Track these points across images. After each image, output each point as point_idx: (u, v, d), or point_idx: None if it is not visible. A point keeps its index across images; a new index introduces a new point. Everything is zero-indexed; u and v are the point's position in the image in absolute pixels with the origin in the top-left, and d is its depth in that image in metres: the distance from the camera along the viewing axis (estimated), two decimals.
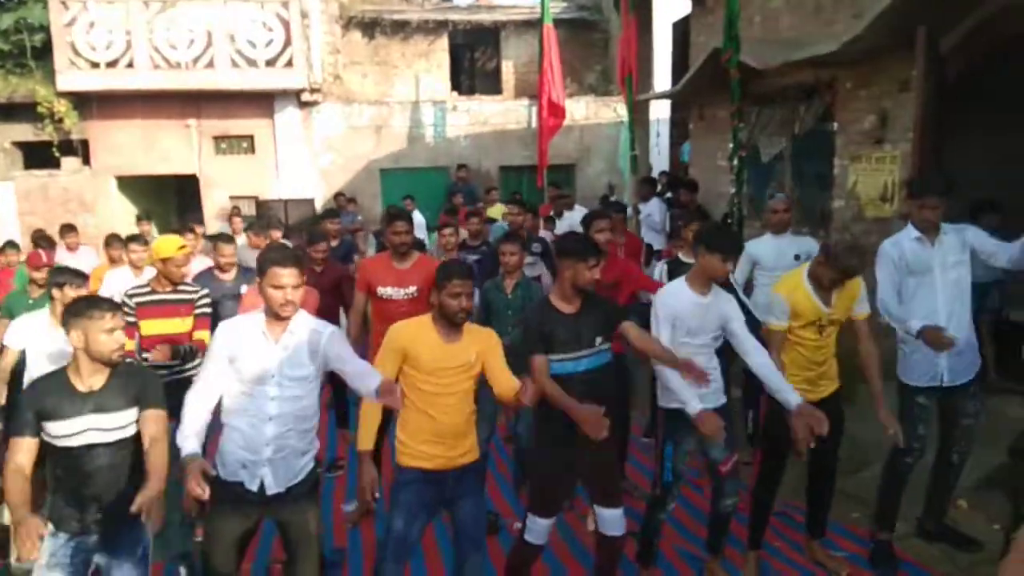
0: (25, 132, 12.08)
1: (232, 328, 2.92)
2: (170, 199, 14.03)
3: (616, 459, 3.64)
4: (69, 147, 12.17)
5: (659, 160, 13.01)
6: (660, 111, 12.99)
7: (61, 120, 11.78)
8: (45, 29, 11.83)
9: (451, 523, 3.18)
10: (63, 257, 7.47)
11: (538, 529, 3.29)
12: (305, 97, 12.26)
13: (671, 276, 4.43)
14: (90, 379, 2.77)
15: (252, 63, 11.63)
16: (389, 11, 14.17)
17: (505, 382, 3.10)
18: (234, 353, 2.85)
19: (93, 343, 2.72)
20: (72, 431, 2.72)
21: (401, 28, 14.19)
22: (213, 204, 12.25)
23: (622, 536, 3.32)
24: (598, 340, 3.26)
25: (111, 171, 12.13)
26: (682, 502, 4.37)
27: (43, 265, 5.40)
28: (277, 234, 6.91)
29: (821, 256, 3.54)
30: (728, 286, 3.75)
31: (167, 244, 4.24)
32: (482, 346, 3.11)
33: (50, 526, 2.77)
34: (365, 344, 4.66)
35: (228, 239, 5.28)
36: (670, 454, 3.53)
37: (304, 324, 2.94)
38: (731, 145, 6.24)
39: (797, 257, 4.71)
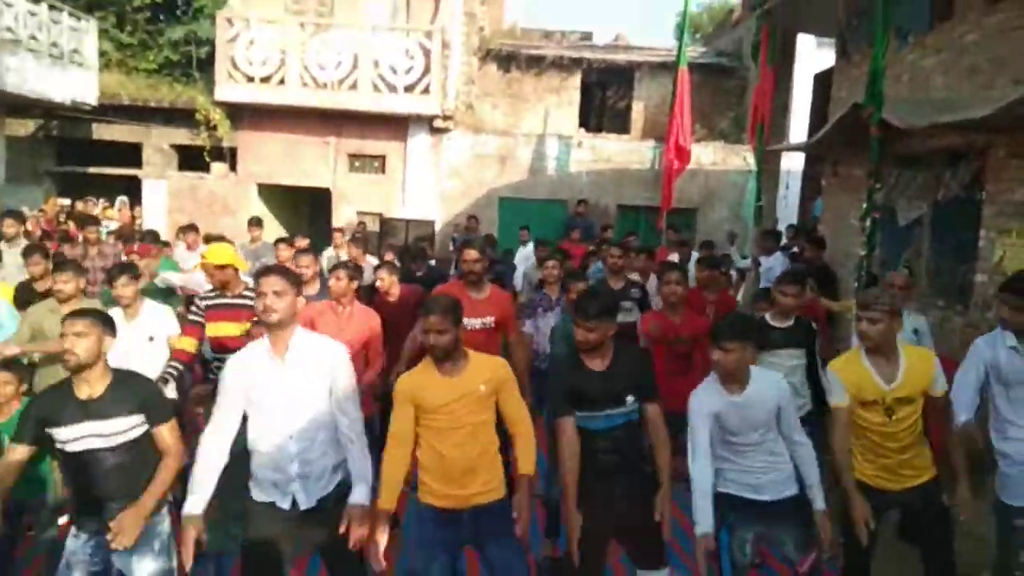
0: (182, 136, 13.16)
1: (240, 361, 2.93)
2: (304, 210, 14.84)
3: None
4: (219, 153, 13.15)
5: (786, 213, 12.57)
6: (793, 163, 12.58)
7: (215, 127, 12.76)
8: (210, 43, 12.89)
9: (482, 566, 3.10)
10: (182, 255, 7.99)
11: None
12: (437, 123, 12.69)
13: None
14: (89, 388, 2.85)
15: (392, 88, 12.17)
16: (527, 46, 14.50)
17: (516, 424, 3.05)
18: (247, 384, 2.88)
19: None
20: (72, 437, 2.82)
21: (536, 63, 14.47)
22: (341, 218, 12.83)
23: None
24: (629, 399, 3.13)
25: (254, 178, 12.97)
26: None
27: (148, 255, 5.81)
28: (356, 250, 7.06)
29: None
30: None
31: (217, 253, 4.39)
32: (491, 376, 3.02)
33: (73, 527, 2.91)
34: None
35: (305, 251, 5.44)
36: (726, 543, 3.22)
37: (308, 340, 2.95)
38: (865, 205, 5.92)
39: (916, 332, 4.38)
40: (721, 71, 14.36)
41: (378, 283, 5.24)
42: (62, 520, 3.67)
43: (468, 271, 4.42)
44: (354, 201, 12.95)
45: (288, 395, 2.87)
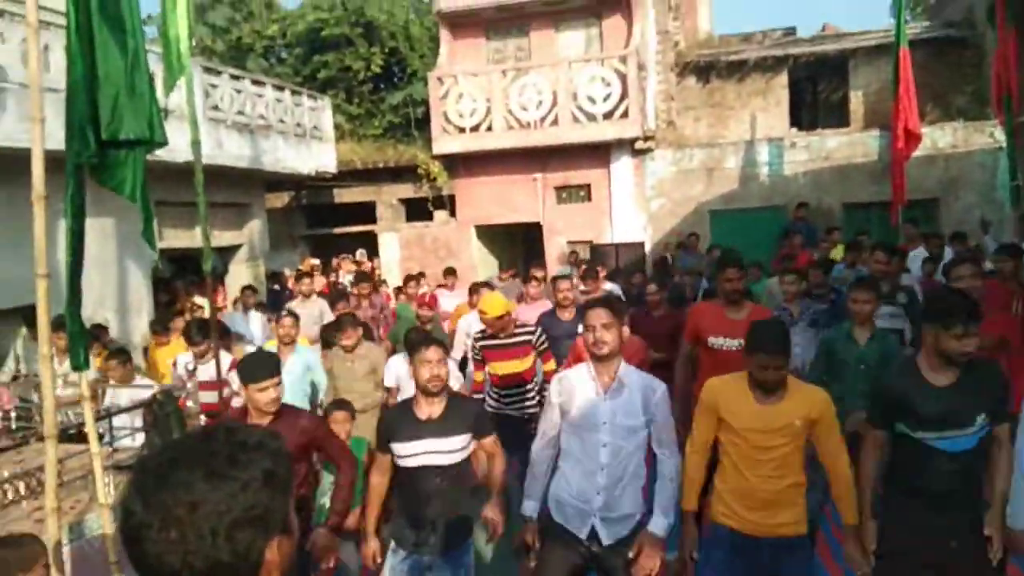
0: (407, 191, 14.37)
1: (564, 378, 3.13)
2: (518, 245, 15.49)
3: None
4: (439, 202, 14.18)
5: None
6: None
7: (435, 179, 13.79)
8: (424, 103, 14.01)
9: None
10: (443, 295, 8.72)
11: None
12: (639, 145, 12.69)
13: None
14: (427, 409, 3.19)
15: (591, 117, 12.40)
16: (726, 52, 14.08)
17: (832, 455, 2.84)
18: (566, 400, 3.03)
19: (417, 376, 3.18)
20: (410, 452, 3.14)
21: (738, 69, 13.98)
22: (554, 249, 13.22)
23: None
24: (979, 419, 2.70)
25: (472, 221, 13.80)
26: None
27: (426, 304, 6.54)
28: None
29: None
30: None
31: (493, 305, 4.73)
32: (810, 410, 2.84)
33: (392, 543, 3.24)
34: (689, 395, 4.59)
35: (566, 277, 5.70)
36: None
37: (632, 375, 3.01)
38: None
39: None
40: (950, 43, 12.88)
41: (649, 296, 5.72)
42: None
43: (730, 290, 4.21)
44: (564, 232, 13.28)
45: (606, 424, 2.96)
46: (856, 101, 13.70)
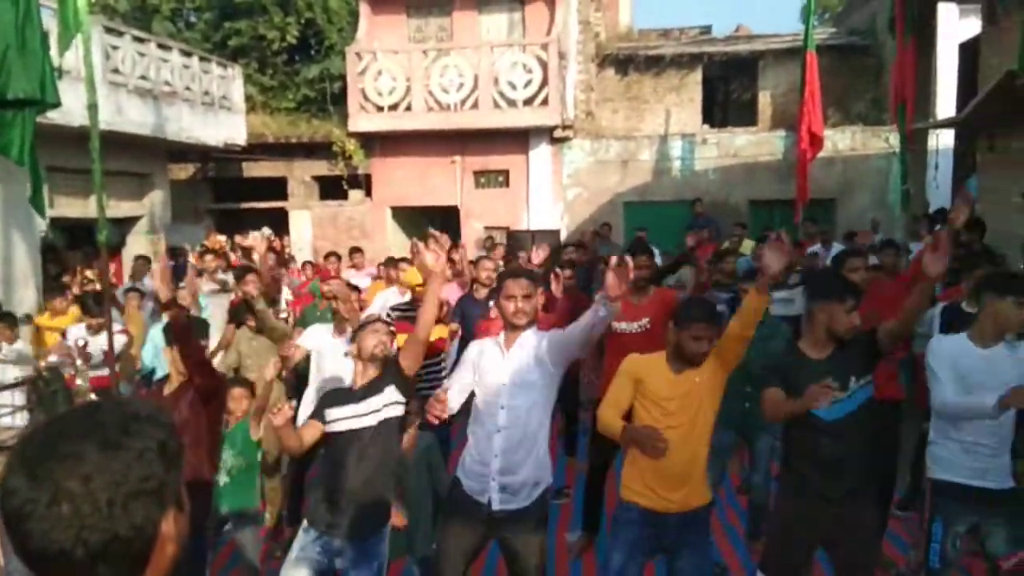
0: (321, 168, 14.01)
1: (481, 343, 3.23)
2: (435, 228, 15.34)
3: (877, 526, 3.26)
4: (355, 181, 13.89)
5: (937, 196, 11.62)
6: (942, 141, 11.63)
7: (350, 157, 13.49)
8: (342, 78, 13.67)
9: (669, 572, 3.08)
10: (348, 274, 8.52)
11: None
12: (557, 134, 12.79)
13: (948, 328, 3.93)
14: (361, 380, 3.24)
15: (512, 103, 12.40)
16: (645, 47, 14.35)
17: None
18: (477, 363, 3.14)
19: (363, 344, 3.24)
20: (334, 418, 3.16)
21: (655, 63, 14.28)
22: (471, 233, 13.19)
23: None
24: (852, 380, 2.90)
25: (388, 203, 13.59)
26: None
27: (331, 279, 6.30)
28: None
29: None
30: None
31: (415, 276, 4.77)
32: (712, 361, 2.98)
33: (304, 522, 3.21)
34: (599, 376, 4.70)
35: (489, 258, 5.73)
36: (938, 535, 3.06)
37: (531, 336, 3.10)
38: None
39: None
40: (854, 51, 13.57)
41: (553, 286, 5.46)
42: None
43: (636, 278, 4.32)
44: (481, 216, 13.27)
45: (505, 386, 3.05)
46: (764, 101, 14.25)
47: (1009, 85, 5.94)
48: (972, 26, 10.36)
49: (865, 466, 2.98)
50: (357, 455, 3.08)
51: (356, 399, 3.17)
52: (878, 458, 4.05)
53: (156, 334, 5.54)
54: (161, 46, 11.06)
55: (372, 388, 3.19)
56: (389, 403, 3.16)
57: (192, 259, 7.21)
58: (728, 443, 4.26)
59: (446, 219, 14.40)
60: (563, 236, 12.90)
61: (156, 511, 0.96)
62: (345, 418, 3.13)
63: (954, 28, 11.32)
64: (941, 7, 11.15)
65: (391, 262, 7.29)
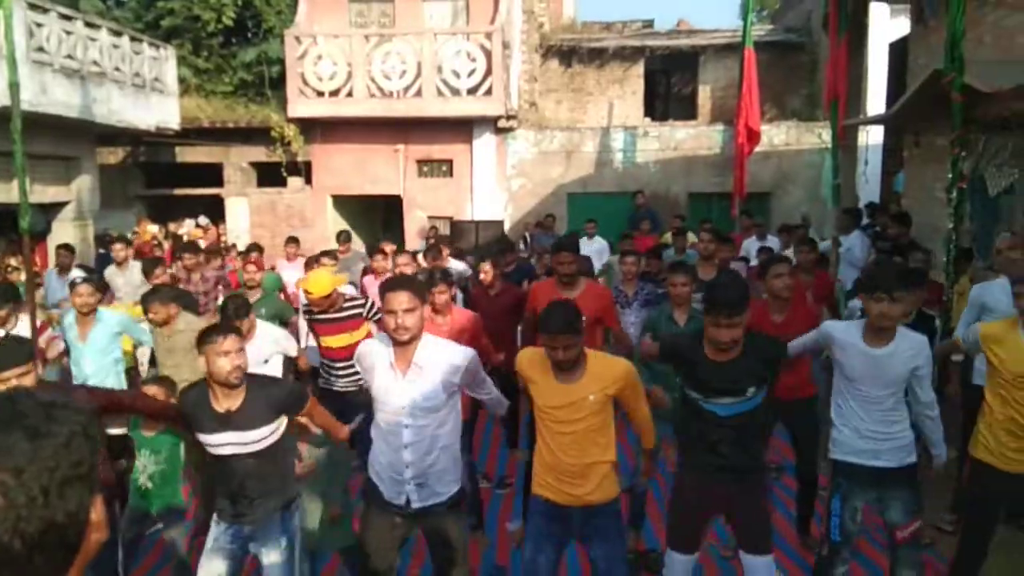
0: (259, 154, 13.67)
1: (367, 353, 3.07)
2: (376, 217, 15.19)
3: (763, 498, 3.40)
4: (294, 168, 13.60)
5: (867, 190, 12.05)
6: (872, 138, 12.06)
7: (289, 143, 13.20)
8: (281, 62, 13.35)
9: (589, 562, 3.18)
10: (283, 266, 8.31)
11: (675, 567, 3.21)
12: (501, 124, 12.75)
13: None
14: (225, 402, 2.94)
15: (455, 92, 12.30)
16: (587, 39, 14.42)
17: (640, 422, 3.12)
18: (367, 376, 3.05)
19: (212, 366, 2.88)
20: (215, 443, 3.00)
21: (598, 56, 14.37)
22: (414, 223, 13.07)
23: None
24: (750, 390, 3.02)
25: (328, 190, 13.35)
26: (864, 562, 3.99)
27: (256, 265, 6.22)
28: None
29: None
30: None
31: (318, 285, 4.62)
32: (607, 385, 2.93)
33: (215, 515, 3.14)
34: None
35: (407, 252, 5.64)
36: (837, 509, 3.27)
37: (432, 354, 2.92)
38: (950, 176, 5.63)
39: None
40: (790, 48, 13.92)
41: (482, 276, 5.39)
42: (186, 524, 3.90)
43: (563, 273, 4.46)
44: (425, 206, 13.16)
45: (405, 409, 2.91)
46: (704, 95, 14.51)
47: (935, 84, 6.17)
48: (902, 26, 10.74)
49: (754, 450, 3.17)
50: (247, 468, 3.02)
51: (231, 427, 2.93)
52: (802, 451, 4.34)
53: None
54: (89, 24, 10.60)
55: (249, 418, 2.94)
56: (274, 430, 3.01)
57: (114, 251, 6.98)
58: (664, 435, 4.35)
59: (389, 207, 14.25)
60: (507, 227, 12.91)
61: (87, 496, 0.97)
62: (224, 444, 2.98)
63: (885, 28, 11.72)
64: (873, 7, 11.54)
65: (314, 259, 7.08)
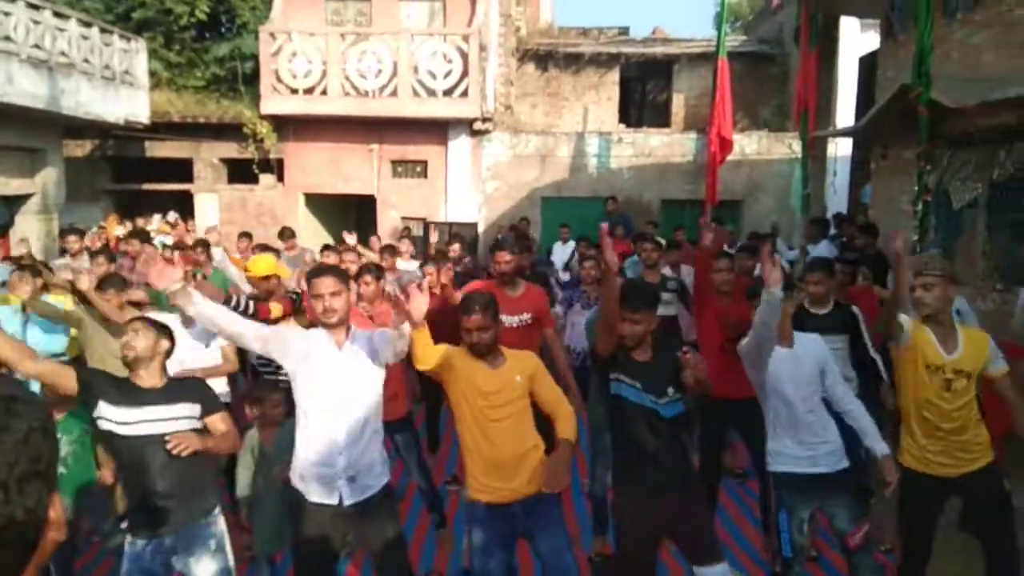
0: (230, 150, 13.48)
1: (305, 336, 3.07)
2: (350, 217, 15.08)
3: (708, 508, 3.47)
4: (266, 165, 13.44)
5: (835, 200, 12.28)
6: (841, 149, 12.29)
7: (262, 140, 13.04)
8: (254, 58, 13.19)
9: (535, 558, 3.17)
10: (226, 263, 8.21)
11: None
12: (477, 126, 12.76)
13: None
14: (150, 380, 2.95)
15: (431, 93, 12.28)
16: (564, 44, 14.49)
17: (555, 404, 3.11)
18: (304, 357, 2.98)
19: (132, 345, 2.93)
20: (126, 421, 2.83)
21: (574, 61, 14.44)
22: (387, 223, 13.01)
23: None
24: (670, 391, 3.09)
25: (300, 188, 13.23)
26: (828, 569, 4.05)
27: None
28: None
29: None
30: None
31: (260, 266, 4.61)
32: (524, 368, 3.12)
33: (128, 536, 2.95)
34: None
35: (352, 249, 5.65)
36: (785, 524, 3.30)
37: (359, 335, 3.06)
38: (916, 188, 5.78)
39: (958, 312, 4.27)
40: (762, 59, 14.12)
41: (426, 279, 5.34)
42: (124, 526, 3.82)
43: (501, 272, 4.49)
44: (398, 207, 13.11)
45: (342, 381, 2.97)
46: (678, 103, 14.66)
47: (903, 98, 6.32)
48: (872, 40, 10.96)
49: (686, 458, 3.16)
50: (162, 460, 2.82)
51: (151, 401, 2.87)
52: (756, 449, 4.26)
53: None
54: (58, 15, 10.37)
55: (171, 394, 2.93)
56: (192, 416, 2.94)
57: (88, 242, 6.84)
58: (607, 445, 4.36)
59: (362, 207, 14.16)
60: (481, 229, 12.91)
61: (46, 493, 0.95)
62: (139, 422, 2.82)
63: (855, 42, 11.97)
64: (843, 21, 11.77)
65: (260, 248, 7.01)
